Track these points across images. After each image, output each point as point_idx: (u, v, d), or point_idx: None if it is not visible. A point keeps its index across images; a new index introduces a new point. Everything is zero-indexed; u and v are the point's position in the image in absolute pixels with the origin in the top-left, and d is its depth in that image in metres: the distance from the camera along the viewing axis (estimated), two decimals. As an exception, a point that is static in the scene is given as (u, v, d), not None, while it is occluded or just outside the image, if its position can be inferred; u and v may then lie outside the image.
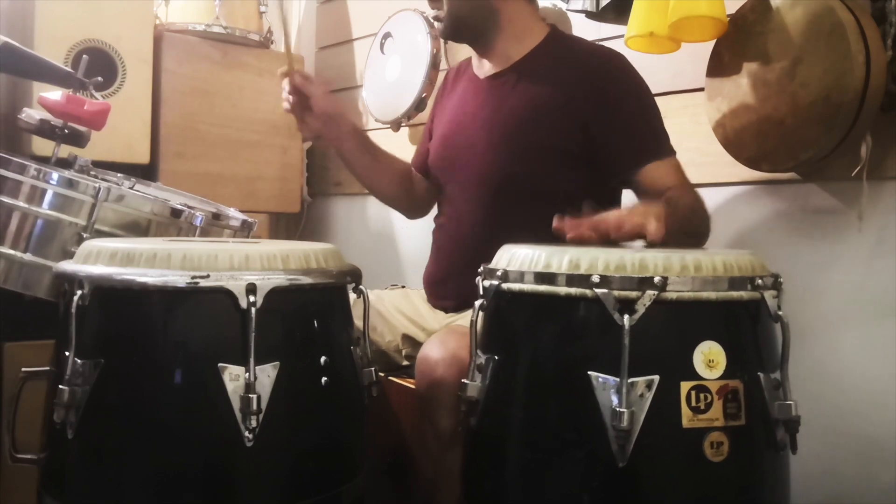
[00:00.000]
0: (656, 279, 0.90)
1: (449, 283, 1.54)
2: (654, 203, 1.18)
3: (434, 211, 1.68)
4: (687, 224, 1.26)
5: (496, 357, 1.02)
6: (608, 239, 1.08)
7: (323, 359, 1.06)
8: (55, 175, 1.29)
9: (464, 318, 1.39)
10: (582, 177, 1.42)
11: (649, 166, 1.36)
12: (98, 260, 1.03)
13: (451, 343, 1.23)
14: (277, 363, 1.00)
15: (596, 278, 0.91)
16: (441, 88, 1.72)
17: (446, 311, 1.54)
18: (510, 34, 1.48)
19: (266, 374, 0.99)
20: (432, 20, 1.51)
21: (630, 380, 0.89)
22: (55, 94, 1.45)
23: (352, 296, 1.17)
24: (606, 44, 1.53)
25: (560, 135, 1.40)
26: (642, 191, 1.41)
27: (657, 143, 1.38)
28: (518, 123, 1.44)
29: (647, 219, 1.08)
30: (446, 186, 1.58)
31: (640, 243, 1.11)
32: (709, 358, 0.91)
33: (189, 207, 1.37)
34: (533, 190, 1.42)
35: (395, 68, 2.21)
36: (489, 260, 1.08)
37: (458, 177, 1.53)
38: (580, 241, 1.06)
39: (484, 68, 1.55)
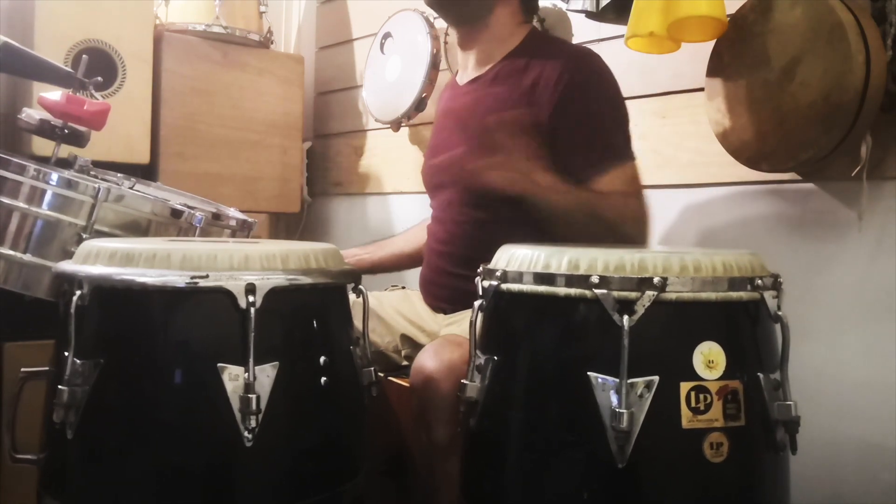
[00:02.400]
0: (656, 280, 0.90)
1: (440, 284, 1.54)
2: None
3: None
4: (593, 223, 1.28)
5: (495, 357, 1.02)
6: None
7: (322, 359, 1.06)
8: (54, 175, 1.29)
9: (460, 324, 1.39)
10: (556, 175, 1.40)
11: (595, 178, 1.33)
12: (98, 260, 1.03)
13: (446, 354, 1.23)
14: (277, 363, 1.00)
15: (595, 279, 0.91)
16: (437, 108, 1.73)
17: (445, 312, 1.54)
18: (496, 34, 1.49)
19: (265, 374, 0.98)
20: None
21: (629, 380, 0.89)
22: (55, 94, 1.45)
23: (351, 296, 1.17)
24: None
25: (528, 135, 1.36)
26: None
27: (603, 155, 1.35)
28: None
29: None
30: (434, 191, 1.61)
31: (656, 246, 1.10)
32: (708, 358, 0.91)
33: (189, 207, 1.37)
34: None
35: (395, 68, 2.21)
36: (476, 260, 1.08)
37: (444, 180, 1.55)
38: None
39: (467, 72, 1.56)
